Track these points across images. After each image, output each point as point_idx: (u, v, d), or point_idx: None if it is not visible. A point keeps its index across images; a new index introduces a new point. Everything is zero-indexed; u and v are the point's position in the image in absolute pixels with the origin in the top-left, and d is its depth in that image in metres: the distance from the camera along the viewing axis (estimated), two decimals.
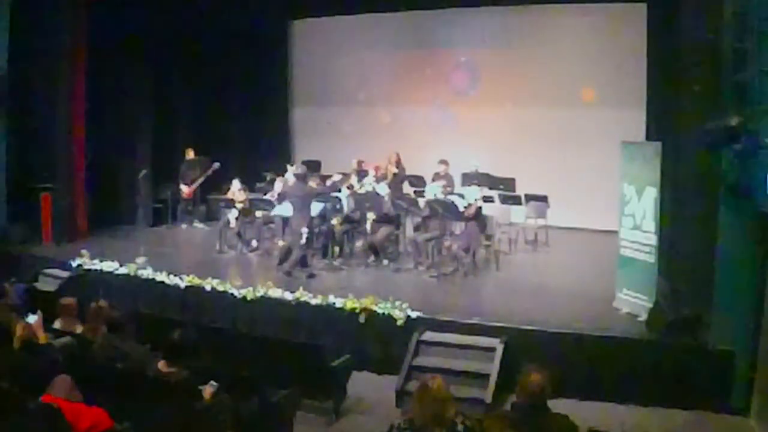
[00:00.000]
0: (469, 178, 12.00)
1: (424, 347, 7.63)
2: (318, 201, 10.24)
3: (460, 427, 3.69)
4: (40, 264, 10.72)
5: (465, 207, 9.90)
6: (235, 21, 14.46)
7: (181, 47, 13.80)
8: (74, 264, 10.23)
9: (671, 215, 7.92)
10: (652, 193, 7.65)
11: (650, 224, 7.70)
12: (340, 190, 10.86)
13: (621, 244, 8.17)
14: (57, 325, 6.62)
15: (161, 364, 4.96)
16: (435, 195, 10.37)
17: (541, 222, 11.71)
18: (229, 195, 11.70)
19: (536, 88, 13.22)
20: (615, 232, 8.44)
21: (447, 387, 3.80)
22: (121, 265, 9.88)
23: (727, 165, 6.74)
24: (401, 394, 7.06)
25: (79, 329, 6.49)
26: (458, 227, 10.41)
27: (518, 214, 11.74)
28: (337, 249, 10.61)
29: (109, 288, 9.59)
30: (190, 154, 13.30)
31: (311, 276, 9.59)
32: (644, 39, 11.52)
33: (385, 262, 10.37)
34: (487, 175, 12.10)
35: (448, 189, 10.92)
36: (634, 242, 7.96)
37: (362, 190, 11.09)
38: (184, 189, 13.19)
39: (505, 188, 11.85)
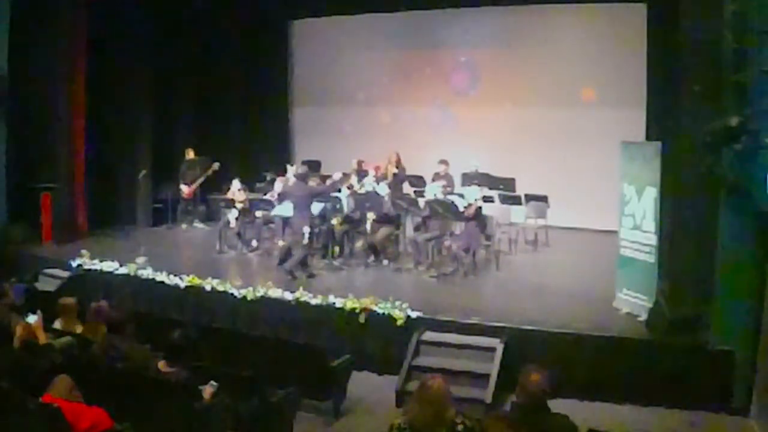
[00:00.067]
0: (469, 178, 11.99)
1: (424, 347, 7.63)
2: (318, 201, 10.24)
3: (460, 427, 3.69)
4: (40, 264, 10.73)
5: (465, 207, 9.90)
6: (235, 21, 14.48)
7: (181, 47, 13.80)
8: (74, 264, 10.23)
9: (671, 215, 7.92)
10: (652, 193, 7.65)
11: (650, 224, 7.70)
12: (340, 190, 10.87)
13: (621, 244, 8.17)
14: (57, 325, 6.62)
15: (161, 364, 4.97)
16: (435, 195, 10.37)
17: (541, 222, 11.71)
18: (229, 195, 11.70)
19: (536, 88, 13.22)
20: (615, 232, 8.44)
21: (447, 387, 3.80)
22: (121, 265, 9.88)
23: (727, 165, 6.73)
24: (401, 394, 7.06)
25: (79, 329, 6.49)
26: (458, 227, 10.41)
27: (518, 214, 11.73)
28: (337, 249, 10.61)
29: (109, 288, 9.60)
30: (190, 154, 13.29)
31: (311, 276, 9.58)
32: (644, 39, 11.52)
33: (385, 262, 10.37)
34: (487, 175, 12.09)
35: (448, 189, 10.91)
36: (634, 242, 7.96)
37: (362, 190, 11.09)
38: (184, 189, 13.19)
39: (505, 188, 11.84)
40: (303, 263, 9.59)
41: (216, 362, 5.94)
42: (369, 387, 7.46)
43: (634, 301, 7.90)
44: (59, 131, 11.90)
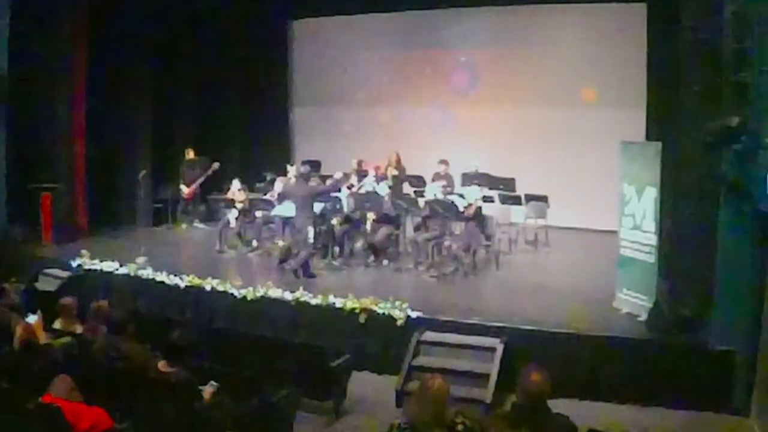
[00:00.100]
0: (469, 178, 11.99)
1: (424, 347, 7.63)
2: (318, 201, 10.24)
3: (460, 427, 3.68)
4: (40, 264, 10.72)
5: (465, 207, 9.90)
6: (235, 21, 14.48)
7: (181, 47, 13.80)
8: (74, 264, 10.23)
9: (671, 215, 7.92)
10: (652, 193, 7.65)
11: (650, 224, 7.70)
12: (340, 190, 10.87)
13: (621, 244, 8.16)
14: (57, 325, 6.62)
15: (161, 364, 4.96)
16: (435, 195, 10.37)
17: (541, 222, 11.71)
18: (229, 195, 11.70)
19: (536, 88, 13.22)
20: (615, 232, 8.43)
21: (447, 387, 3.80)
22: (121, 265, 9.88)
23: (727, 165, 6.74)
24: (401, 394, 7.06)
25: (79, 329, 6.49)
26: (458, 227, 10.41)
27: (518, 214, 11.74)
28: (337, 249, 10.62)
29: (109, 288, 9.59)
30: (190, 154, 13.30)
31: (311, 276, 9.57)
32: (644, 39, 11.52)
33: (385, 262, 10.37)
34: (487, 175, 12.09)
35: (448, 189, 10.91)
36: (634, 242, 7.95)
37: (362, 190, 11.09)
38: (184, 189, 13.19)
39: (505, 188, 11.84)
40: (303, 270, 9.56)
41: (216, 362, 5.94)
42: (369, 387, 7.46)
43: (634, 301, 7.90)
44: (59, 131, 11.89)
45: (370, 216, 10.55)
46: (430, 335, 7.71)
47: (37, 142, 11.84)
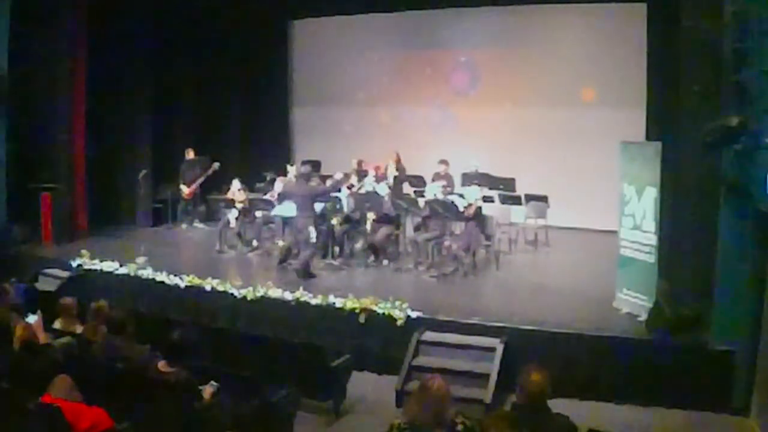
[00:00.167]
0: (469, 178, 12.00)
1: (424, 347, 7.63)
2: (319, 201, 10.24)
3: (460, 427, 3.69)
4: (40, 264, 10.72)
5: (465, 207, 9.90)
6: (235, 21, 14.48)
7: (181, 47, 13.80)
8: (74, 264, 10.23)
9: (671, 215, 7.92)
10: (652, 193, 7.65)
11: (650, 224, 7.70)
12: (340, 190, 10.88)
13: (621, 244, 8.16)
14: (57, 325, 6.62)
15: (161, 364, 4.96)
16: (435, 195, 10.36)
17: (541, 222, 11.71)
18: (229, 195, 11.70)
19: (536, 88, 13.23)
20: (615, 232, 8.43)
21: (447, 387, 3.81)
22: (121, 265, 9.88)
23: (727, 165, 6.74)
24: (401, 394, 7.06)
25: (79, 329, 6.49)
26: (458, 227, 10.41)
27: (518, 214, 11.74)
28: (337, 249, 10.62)
29: (109, 288, 9.59)
30: (190, 154, 13.29)
31: (312, 276, 9.57)
32: (644, 39, 11.52)
33: (385, 262, 10.37)
34: (487, 175, 12.09)
35: (448, 189, 10.91)
36: (634, 242, 7.95)
37: (362, 190, 11.09)
38: (184, 189, 13.19)
39: (505, 188, 11.84)
40: (305, 270, 9.56)
41: (216, 362, 5.94)
42: (369, 387, 7.46)
43: (634, 301, 7.90)
44: (59, 131, 11.89)
45: (370, 216, 10.54)
46: (430, 335, 7.71)
47: (37, 142, 11.84)
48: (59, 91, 11.82)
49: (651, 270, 7.66)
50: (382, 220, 10.49)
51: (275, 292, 8.66)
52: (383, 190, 10.93)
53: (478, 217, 9.95)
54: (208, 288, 9.07)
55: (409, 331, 7.71)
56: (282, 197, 10.78)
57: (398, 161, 12.37)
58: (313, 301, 8.41)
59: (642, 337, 7.26)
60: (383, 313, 7.94)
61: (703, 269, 7.17)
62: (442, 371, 6.55)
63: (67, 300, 6.91)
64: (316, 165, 13.18)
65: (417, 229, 10.72)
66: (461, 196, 10.44)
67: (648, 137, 10.78)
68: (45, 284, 10.04)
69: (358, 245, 10.74)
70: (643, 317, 7.54)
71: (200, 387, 4.94)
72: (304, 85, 15.62)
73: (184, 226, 13.35)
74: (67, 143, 12.00)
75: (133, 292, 9.62)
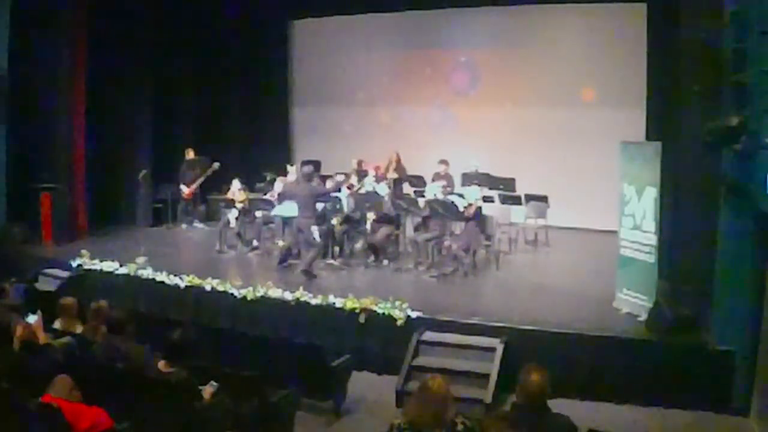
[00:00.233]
0: (469, 178, 12.00)
1: (424, 347, 7.63)
2: (320, 201, 10.24)
3: (460, 427, 3.69)
4: (40, 264, 10.72)
5: (465, 207, 9.90)
6: (235, 21, 14.49)
7: (182, 47, 13.80)
8: (74, 264, 10.23)
9: (671, 215, 7.92)
10: (652, 193, 7.65)
11: (650, 224, 7.70)
12: (340, 190, 10.88)
13: (621, 244, 8.17)
14: (57, 325, 6.61)
15: (161, 364, 4.96)
16: (435, 195, 10.37)
17: (541, 222, 11.71)
18: (229, 195, 11.70)
19: (536, 88, 13.23)
20: (615, 232, 8.43)
21: (447, 387, 3.80)
22: (121, 265, 9.88)
23: (727, 165, 6.74)
24: (401, 394, 7.06)
25: (79, 329, 6.49)
26: (458, 227, 10.41)
27: (518, 214, 11.74)
28: (337, 249, 10.62)
29: (109, 288, 9.59)
30: (190, 154, 13.29)
31: (312, 276, 9.56)
32: (644, 39, 11.53)
33: (385, 262, 10.37)
34: (487, 175, 12.10)
35: (448, 189, 10.91)
36: (634, 242, 7.95)
37: (362, 190, 11.09)
38: (184, 189, 13.19)
39: (505, 188, 11.85)
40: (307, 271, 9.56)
41: (216, 362, 5.93)
42: (369, 387, 7.46)
43: (634, 301, 7.90)
44: (59, 131, 11.90)
45: (370, 216, 10.54)
46: (430, 335, 7.71)
47: (37, 142, 11.84)
48: (59, 91, 11.81)
49: (651, 270, 7.66)
50: (382, 220, 10.49)
51: (275, 292, 8.65)
52: (383, 190, 10.93)
53: (478, 217, 9.94)
54: (208, 288, 9.06)
55: (409, 331, 7.71)
56: (282, 197, 10.78)
57: (398, 161, 12.37)
58: (313, 301, 8.40)
59: (642, 337, 7.26)
60: (383, 313, 7.94)
61: (703, 269, 7.18)
62: (442, 371, 6.54)
63: (67, 300, 6.89)
64: (316, 165, 13.19)
65: (417, 229, 10.73)
66: (461, 196, 10.44)
67: (648, 137, 10.79)
68: (45, 284, 10.04)
69: (358, 245, 10.74)
70: (643, 317, 7.55)
71: (200, 387, 4.94)
72: (304, 85, 15.62)
73: (184, 226, 13.35)
74: (67, 143, 11.99)
75: (133, 292, 9.62)
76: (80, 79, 12.05)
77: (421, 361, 7.47)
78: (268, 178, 12.60)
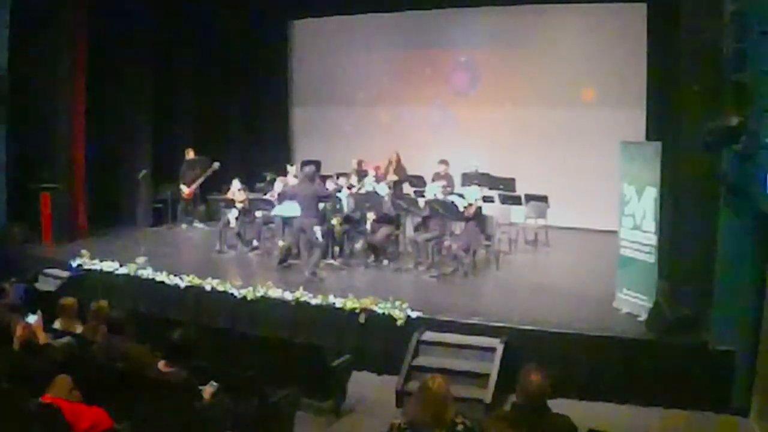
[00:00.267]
0: (469, 178, 12.01)
1: (424, 347, 7.63)
2: (323, 201, 10.23)
3: (460, 427, 3.69)
4: (40, 264, 10.72)
5: (465, 207, 9.90)
6: (235, 21, 14.49)
7: (181, 47, 13.81)
8: (74, 264, 10.23)
9: (671, 215, 7.92)
10: (652, 193, 7.65)
11: (650, 224, 7.70)
12: (340, 190, 10.88)
13: (621, 244, 8.17)
14: (57, 325, 6.62)
15: (161, 364, 4.96)
16: (435, 195, 10.37)
17: (541, 222, 11.71)
18: (229, 195, 11.70)
19: (536, 88, 13.23)
20: (615, 232, 8.43)
21: (447, 387, 3.80)
22: (121, 265, 9.88)
23: (727, 165, 6.73)
24: (401, 394, 7.06)
25: (79, 329, 6.49)
26: (458, 227, 10.41)
27: (518, 214, 11.74)
28: (337, 249, 10.62)
29: (109, 288, 9.59)
30: (190, 154, 13.29)
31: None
32: (644, 39, 11.53)
33: (385, 262, 10.37)
34: (487, 175, 12.10)
35: (448, 189, 10.92)
36: (634, 242, 7.95)
37: (362, 190, 11.09)
38: (184, 189, 13.19)
39: (505, 188, 11.85)
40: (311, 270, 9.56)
41: (216, 362, 5.94)
42: (369, 387, 7.46)
43: (634, 301, 7.90)
44: (59, 131, 11.90)
45: (370, 216, 10.54)
46: (430, 335, 7.70)
47: (37, 142, 11.85)
48: (59, 91, 11.82)
49: (651, 270, 7.66)
50: (382, 220, 10.49)
51: (275, 292, 8.65)
52: (383, 190, 10.93)
53: (478, 217, 9.95)
54: (208, 288, 9.06)
55: (409, 331, 7.71)
56: (283, 197, 10.78)
57: (398, 161, 12.37)
58: (313, 301, 8.40)
59: (642, 337, 7.26)
60: (383, 313, 7.94)
61: (703, 269, 7.17)
62: (442, 371, 6.52)
63: (67, 300, 6.90)
64: (316, 165, 13.19)
65: (417, 229, 10.72)
66: (461, 196, 10.45)
67: (648, 137, 10.78)
68: (45, 284, 10.04)
69: (358, 245, 10.74)
70: (643, 317, 7.55)
71: (200, 387, 4.94)
72: (304, 85, 15.62)
73: (184, 226, 13.35)
74: (67, 143, 11.99)
75: (133, 292, 9.62)
76: (80, 79, 12.05)
77: (421, 361, 7.47)
78: (268, 178, 12.60)
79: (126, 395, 4.79)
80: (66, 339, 6.02)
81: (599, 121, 12.56)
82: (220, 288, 8.99)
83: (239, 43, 14.79)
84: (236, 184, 11.73)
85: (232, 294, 8.85)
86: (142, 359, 5.34)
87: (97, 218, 12.61)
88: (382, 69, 14.60)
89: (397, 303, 7.96)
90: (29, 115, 11.78)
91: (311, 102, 15.48)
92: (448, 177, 11.62)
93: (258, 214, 11.50)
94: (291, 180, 11.49)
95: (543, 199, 11.64)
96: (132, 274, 9.73)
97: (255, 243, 11.41)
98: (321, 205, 10.30)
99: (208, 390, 4.94)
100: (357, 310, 8.06)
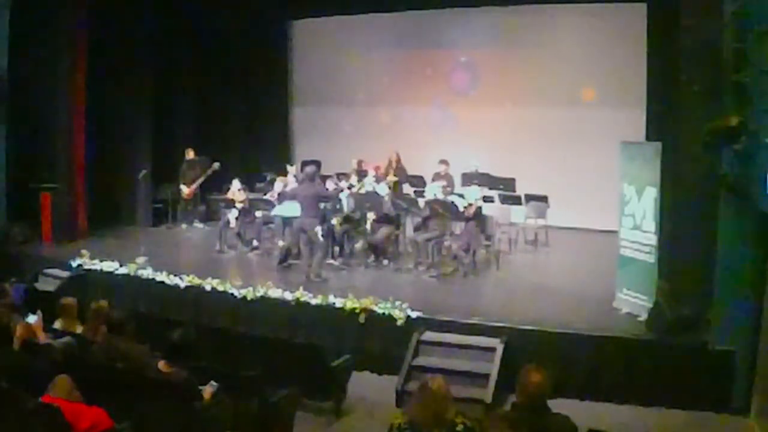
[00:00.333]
0: (469, 178, 12.00)
1: (424, 347, 7.63)
2: (324, 202, 10.23)
3: (460, 427, 3.69)
4: (40, 264, 10.72)
5: (465, 207, 9.90)
6: (235, 21, 14.49)
7: (181, 47, 13.80)
8: (74, 264, 10.23)
9: (671, 215, 7.92)
10: (652, 193, 7.65)
11: (650, 224, 7.70)
12: (342, 191, 10.88)
13: (621, 244, 8.17)
14: (57, 325, 6.62)
15: (161, 364, 4.96)
16: (435, 195, 10.37)
17: (541, 222, 11.71)
18: (229, 195, 11.70)
19: (536, 88, 13.23)
20: (615, 232, 8.43)
21: (447, 387, 3.80)
22: (121, 265, 9.88)
23: (727, 165, 6.73)
24: (401, 394, 7.06)
25: (79, 329, 6.49)
26: (458, 227, 10.41)
27: (518, 214, 11.74)
28: (337, 249, 10.62)
29: (109, 288, 9.59)
30: (190, 154, 13.29)
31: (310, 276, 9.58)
32: (644, 39, 11.52)
33: (385, 262, 10.37)
34: (487, 175, 12.09)
35: (448, 189, 10.92)
36: (634, 242, 7.96)
37: (362, 190, 11.09)
38: (184, 189, 13.19)
39: (505, 188, 11.84)
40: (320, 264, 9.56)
41: (216, 362, 5.94)
42: (369, 387, 7.46)
43: (634, 301, 7.90)
44: (59, 131, 11.90)
45: (370, 216, 10.54)
46: (430, 335, 7.71)
47: (37, 142, 11.85)
48: (59, 91, 11.82)
49: (651, 270, 7.66)
50: (382, 220, 10.49)
51: (275, 292, 8.66)
52: (383, 190, 10.93)
53: (478, 217, 9.95)
54: (208, 288, 9.06)
55: (409, 331, 7.71)
56: (283, 197, 10.77)
57: (398, 161, 12.36)
58: (313, 301, 8.40)
59: (642, 337, 7.26)
60: (383, 313, 7.94)
61: (703, 269, 7.17)
62: (442, 371, 6.54)
63: (67, 300, 6.90)
64: (316, 165, 13.18)
65: (417, 229, 10.72)
66: (461, 196, 10.45)
67: (648, 137, 10.77)
68: (45, 284, 10.04)
69: (358, 245, 10.73)
70: (643, 317, 7.54)
71: (200, 387, 4.94)
72: (304, 85, 15.62)
73: (184, 226, 13.35)
74: (67, 143, 11.99)
75: (133, 292, 9.62)
76: (80, 79, 12.05)
77: (421, 361, 7.48)
78: (268, 178, 12.60)
79: (126, 395, 4.79)
80: (66, 339, 6.02)
81: (599, 121, 12.56)
82: (220, 288, 8.99)
83: (239, 43, 14.78)
84: (236, 184, 11.73)
85: (232, 294, 8.85)
86: (142, 359, 5.34)
87: (97, 218, 12.60)
88: (382, 69, 14.59)
89: (397, 303, 7.96)
90: (29, 115, 11.78)
91: (311, 102, 15.48)
92: (448, 177, 11.62)
93: (258, 214, 11.50)
94: (291, 180, 11.48)
95: (543, 199, 11.64)
96: (132, 274, 9.73)
97: (255, 243, 11.41)
98: (321, 205, 10.32)
99: (208, 390, 4.94)
100: (357, 310, 8.06)
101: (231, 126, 15.04)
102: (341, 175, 11.96)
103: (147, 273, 9.62)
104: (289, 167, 12.21)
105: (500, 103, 13.63)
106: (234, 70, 14.89)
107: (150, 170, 13.15)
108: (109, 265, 9.96)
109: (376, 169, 11.75)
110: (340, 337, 8.05)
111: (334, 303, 8.27)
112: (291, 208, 10.13)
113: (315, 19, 15.11)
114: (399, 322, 7.82)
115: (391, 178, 11.88)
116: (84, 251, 10.37)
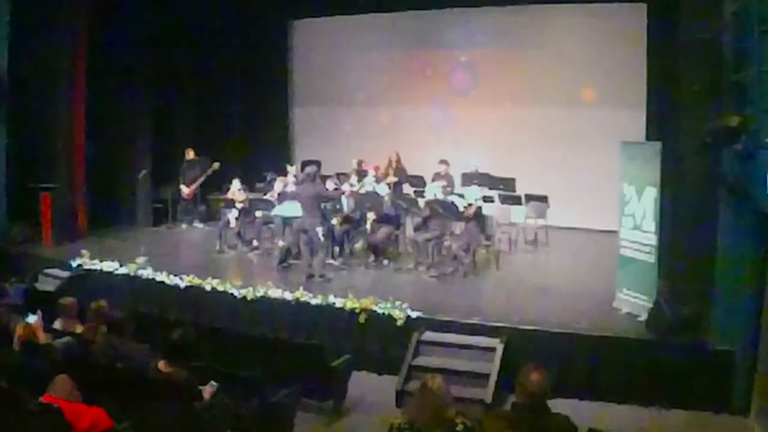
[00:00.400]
0: (469, 178, 12.00)
1: (424, 347, 7.63)
2: (324, 202, 10.23)
3: (460, 427, 3.69)
4: (40, 264, 10.72)
5: (465, 207, 9.90)
6: (235, 21, 14.49)
7: (181, 47, 13.80)
8: (74, 264, 10.23)
9: (671, 215, 7.92)
10: (652, 193, 7.65)
11: (650, 224, 7.70)
12: (343, 193, 10.87)
13: (621, 244, 8.17)
14: (57, 325, 6.61)
15: (161, 364, 4.96)
16: (435, 195, 10.37)
17: (541, 222, 11.71)
18: (229, 195, 11.70)
19: (536, 88, 13.22)
20: (615, 232, 8.43)
21: (447, 387, 3.80)
22: (121, 265, 9.88)
23: (727, 165, 6.74)
24: (401, 394, 7.07)
25: (79, 329, 6.48)
26: (458, 227, 10.41)
27: (518, 214, 11.74)
28: (337, 249, 10.62)
29: (109, 288, 9.58)
30: (190, 154, 13.30)
31: (312, 276, 9.57)
32: (644, 39, 11.52)
33: (385, 262, 10.37)
34: (487, 175, 12.09)
35: (448, 189, 10.92)
36: (634, 242, 7.96)
37: (362, 190, 11.09)
38: (184, 189, 13.19)
39: (505, 188, 11.84)
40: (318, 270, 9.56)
41: (216, 362, 5.94)
42: (369, 387, 7.46)
43: (634, 301, 7.90)
44: (59, 131, 11.90)
45: (370, 216, 10.54)
46: (430, 335, 7.71)
47: (37, 142, 11.84)
48: (59, 91, 11.81)
49: (651, 270, 7.66)
50: (382, 220, 10.49)
51: (275, 292, 8.66)
52: (383, 190, 10.93)
53: (478, 217, 9.95)
54: (208, 288, 9.07)
55: (409, 331, 7.72)
56: (283, 197, 10.77)
57: (398, 161, 12.36)
58: (313, 301, 8.41)
59: (642, 337, 7.26)
60: (383, 313, 7.94)
61: (703, 269, 7.17)
62: (442, 371, 6.53)
63: (67, 300, 6.90)
64: (316, 165, 13.18)
65: (417, 229, 10.72)
66: (461, 196, 10.44)
67: (648, 137, 10.79)
68: (45, 284, 10.04)
69: (358, 245, 10.74)
70: (643, 317, 7.54)
71: (200, 387, 4.94)
72: (304, 85, 15.61)
73: (184, 226, 13.36)
74: (67, 143, 11.99)
75: (133, 292, 9.61)
76: (80, 79, 12.05)
77: (421, 361, 7.48)
78: (268, 178, 12.60)
79: (126, 395, 4.79)
80: (66, 339, 6.02)
81: (599, 121, 12.56)
82: (220, 288, 8.99)
83: (239, 43, 14.78)
84: (236, 184, 11.74)
85: (232, 294, 8.85)
86: (142, 359, 5.34)
87: (97, 218, 12.60)
88: (382, 69, 14.58)
89: (397, 303, 7.96)
90: (29, 115, 11.78)
91: (311, 102, 15.48)
92: (448, 177, 11.62)
93: (258, 214, 11.50)
94: (291, 180, 11.48)
95: (543, 199, 11.64)
96: (132, 274, 9.73)
97: (255, 243, 11.41)
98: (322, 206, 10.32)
99: (208, 390, 4.94)
100: (357, 310, 8.06)
101: (231, 126, 15.04)
102: (341, 175, 11.96)
103: (147, 273, 9.63)
104: (289, 167, 12.21)
105: (500, 103, 13.63)
106: (234, 70, 14.89)
107: (150, 170, 13.17)
108: (109, 265, 9.96)
109: (376, 169, 11.76)
110: (340, 337, 8.04)
111: (334, 303, 8.27)
112: (291, 208, 10.13)
113: (315, 19, 15.11)
114: (399, 322, 7.82)
115: (391, 178, 11.88)
116: (84, 251, 10.37)
